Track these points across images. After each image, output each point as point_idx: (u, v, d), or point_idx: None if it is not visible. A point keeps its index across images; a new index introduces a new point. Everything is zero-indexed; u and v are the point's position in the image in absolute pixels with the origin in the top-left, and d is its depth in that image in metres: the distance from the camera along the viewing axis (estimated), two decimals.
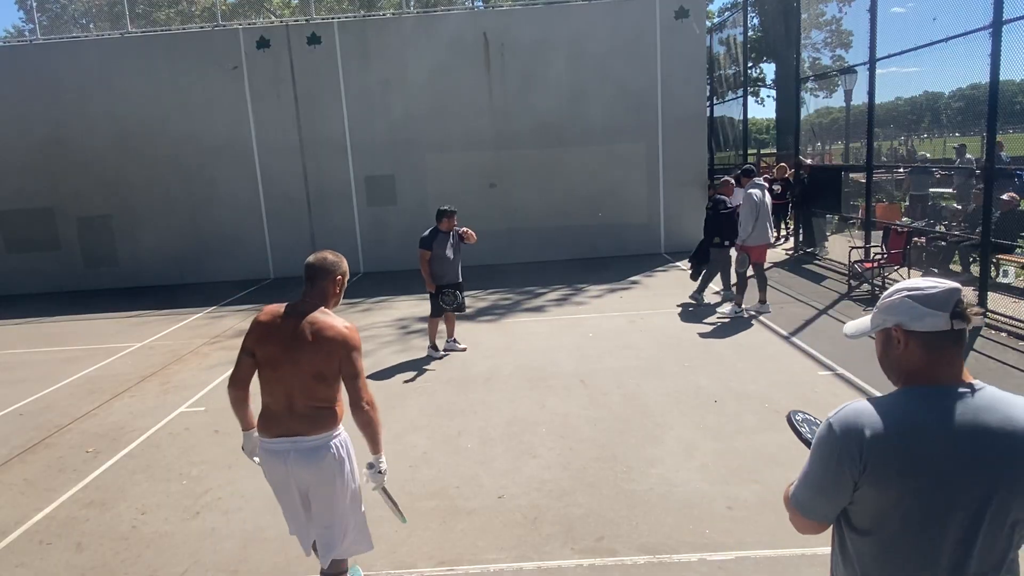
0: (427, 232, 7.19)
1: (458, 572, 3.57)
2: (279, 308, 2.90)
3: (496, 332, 8.44)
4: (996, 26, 6.94)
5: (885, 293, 1.61)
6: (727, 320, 8.21)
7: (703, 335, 7.66)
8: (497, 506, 4.20)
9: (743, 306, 8.34)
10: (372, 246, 13.67)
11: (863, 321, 1.67)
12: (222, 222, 13.58)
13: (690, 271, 9.73)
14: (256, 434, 2.98)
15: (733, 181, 9.29)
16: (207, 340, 8.90)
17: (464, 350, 7.64)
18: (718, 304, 9.01)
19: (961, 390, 1.49)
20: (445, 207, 7.29)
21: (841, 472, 1.50)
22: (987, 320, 7.31)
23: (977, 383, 1.50)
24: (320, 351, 2.78)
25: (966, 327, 1.50)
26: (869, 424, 1.48)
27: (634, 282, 11.00)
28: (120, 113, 13.21)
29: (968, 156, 13.03)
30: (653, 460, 4.66)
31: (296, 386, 2.81)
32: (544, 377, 6.55)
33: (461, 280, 7.43)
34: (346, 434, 2.98)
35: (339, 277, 2.94)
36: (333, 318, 2.85)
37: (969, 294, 1.46)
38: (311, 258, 2.94)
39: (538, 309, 9.62)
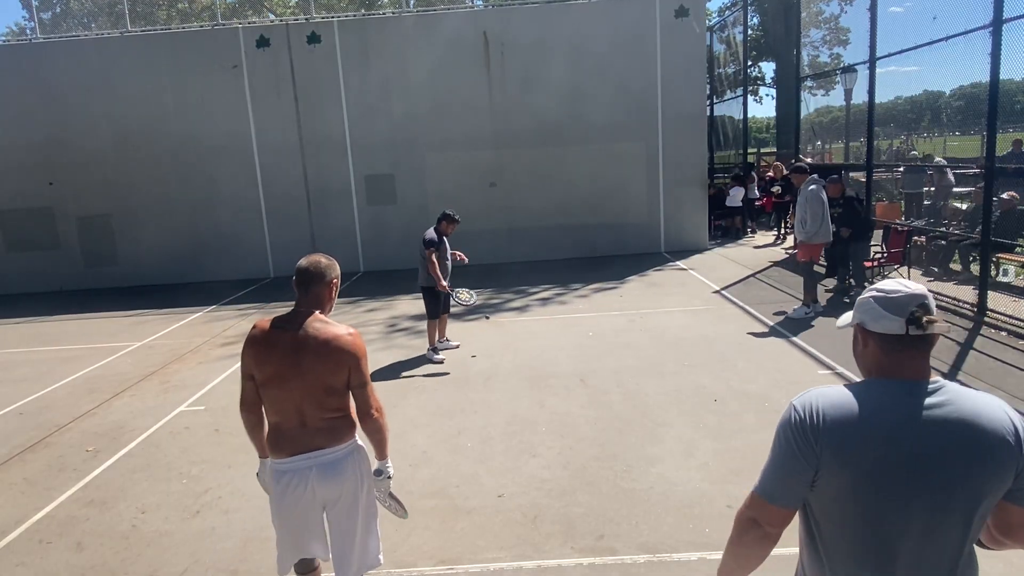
0: (433, 233, 7.14)
1: (458, 571, 3.57)
2: (272, 322, 2.73)
3: (495, 331, 8.43)
4: (996, 25, 6.96)
5: (866, 289, 1.65)
6: (794, 319, 8.00)
7: (703, 334, 7.65)
8: (497, 505, 4.20)
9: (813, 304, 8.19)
10: (372, 245, 13.67)
11: (849, 314, 1.71)
12: (222, 222, 13.58)
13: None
14: (270, 461, 2.82)
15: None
16: (207, 339, 8.90)
17: (457, 347, 7.67)
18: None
19: (924, 385, 1.51)
20: (453, 213, 7.24)
21: (800, 453, 1.52)
22: (987, 319, 7.32)
23: (940, 380, 1.52)
24: (328, 363, 2.64)
25: (922, 333, 1.50)
26: (827, 408, 1.52)
27: (634, 281, 11.00)
28: (120, 113, 13.21)
29: (938, 159, 13.92)
30: (653, 459, 4.66)
31: (307, 400, 2.67)
32: (544, 376, 6.55)
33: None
34: (360, 442, 2.88)
35: (334, 281, 2.79)
36: (335, 326, 2.71)
37: (933, 302, 1.49)
38: (303, 263, 2.76)
39: (538, 308, 9.62)
